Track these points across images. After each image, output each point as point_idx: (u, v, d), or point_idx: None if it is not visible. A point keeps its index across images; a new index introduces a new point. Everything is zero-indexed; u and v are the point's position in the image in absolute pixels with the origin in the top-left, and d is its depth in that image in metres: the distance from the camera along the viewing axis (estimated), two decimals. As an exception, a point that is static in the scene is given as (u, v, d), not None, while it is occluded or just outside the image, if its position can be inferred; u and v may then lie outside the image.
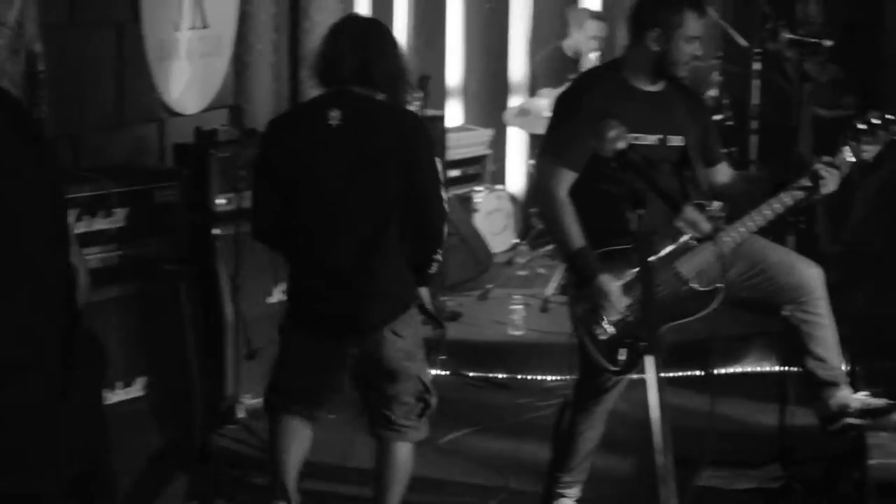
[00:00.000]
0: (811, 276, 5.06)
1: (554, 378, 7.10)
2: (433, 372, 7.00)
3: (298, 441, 5.05)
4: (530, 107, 8.96)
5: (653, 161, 4.69)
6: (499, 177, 10.26)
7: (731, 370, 7.29)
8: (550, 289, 8.24)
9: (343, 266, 4.75)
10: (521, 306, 7.87)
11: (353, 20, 5.08)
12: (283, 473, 5.04)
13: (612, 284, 4.75)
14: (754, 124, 8.31)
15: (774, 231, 8.11)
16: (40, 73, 5.88)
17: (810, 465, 5.72)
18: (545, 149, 5.01)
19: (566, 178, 4.82)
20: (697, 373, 7.01)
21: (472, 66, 10.40)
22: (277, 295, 6.51)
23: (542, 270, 9.00)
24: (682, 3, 4.87)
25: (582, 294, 4.81)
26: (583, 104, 4.85)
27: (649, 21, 4.88)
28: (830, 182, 4.90)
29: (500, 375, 7.24)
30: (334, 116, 4.73)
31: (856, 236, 8.88)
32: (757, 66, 8.31)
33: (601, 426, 5.18)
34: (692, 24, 4.84)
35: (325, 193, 4.77)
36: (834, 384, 5.15)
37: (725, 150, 8.79)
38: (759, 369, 7.30)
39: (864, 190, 8.80)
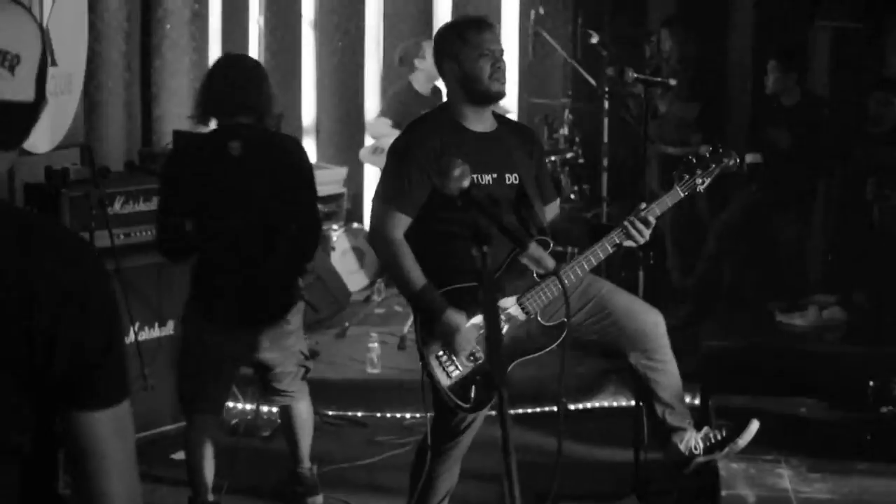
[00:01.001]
0: (654, 323, 5.14)
1: (412, 416, 7.10)
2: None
3: (213, 441, 5.62)
4: (385, 145, 8.95)
5: (497, 199, 4.73)
6: (355, 215, 10.26)
7: (586, 405, 7.37)
8: (407, 326, 8.26)
9: (249, 270, 5.41)
10: (377, 344, 7.86)
11: (237, 59, 5.85)
12: (205, 477, 5.61)
13: (461, 319, 4.75)
14: (605, 162, 8.43)
15: (627, 265, 8.25)
16: None
17: (665, 497, 5.80)
18: (379, 193, 4.98)
19: (401, 223, 4.83)
20: (553, 408, 7.06)
21: (326, 104, 10.40)
22: (130, 336, 6.44)
23: (398, 308, 9.02)
24: (458, 27, 4.99)
25: (431, 332, 4.83)
26: (415, 149, 4.86)
27: (441, 56, 4.97)
28: (639, 236, 4.97)
29: (358, 413, 7.22)
30: (234, 147, 5.38)
31: (706, 271, 9.03)
32: (605, 104, 8.45)
33: (458, 467, 5.18)
34: (475, 40, 4.88)
35: (231, 212, 5.38)
36: (682, 429, 5.23)
37: (576, 188, 8.99)
38: (614, 404, 7.37)
39: (714, 225, 8.98)
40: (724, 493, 5.26)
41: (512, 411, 6.53)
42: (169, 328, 6.67)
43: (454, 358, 4.79)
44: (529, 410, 7.12)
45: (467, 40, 4.88)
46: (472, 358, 4.80)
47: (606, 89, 8.48)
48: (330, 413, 7.17)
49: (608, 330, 5.10)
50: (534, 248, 4.77)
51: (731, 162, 5.26)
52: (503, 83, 4.93)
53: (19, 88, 2.20)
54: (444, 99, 5.16)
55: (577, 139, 9.20)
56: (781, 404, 6.43)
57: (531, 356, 4.93)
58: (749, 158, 8.87)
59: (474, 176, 4.63)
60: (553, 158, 8.93)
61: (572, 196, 9.00)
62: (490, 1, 10.29)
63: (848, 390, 6.44)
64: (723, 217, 8.93)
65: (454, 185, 4.14)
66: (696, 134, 9.08)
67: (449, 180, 4.14)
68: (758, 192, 8.81)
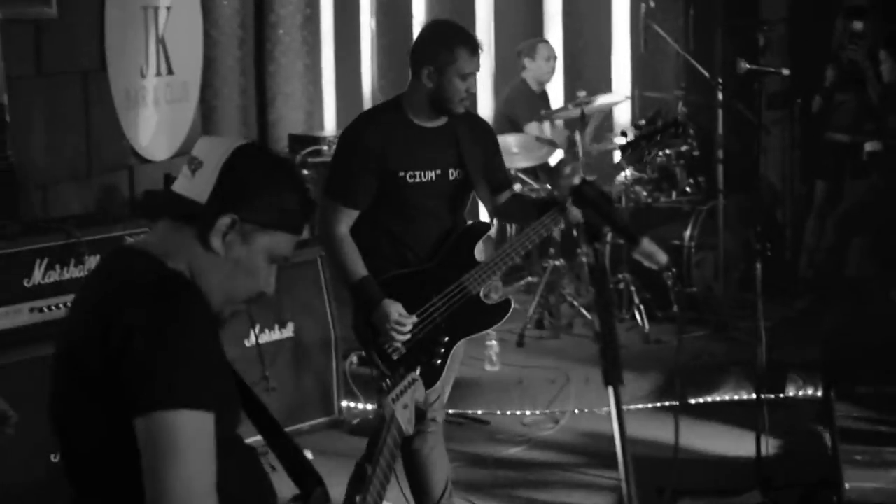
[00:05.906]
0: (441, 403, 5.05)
1: (532, 412, 7.11)
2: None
3: None
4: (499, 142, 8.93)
5: (609, 196, 4.68)
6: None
7: (707, 399, 7.31)
8: (525, 323, 8.28)
9: None
10: (496, 342, 7.87)
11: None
12: None
13: (395, 308, 4.74)
14: (720, 153, 8.38)
15: (746, 259, 8.17)
16: (6, 123, 5.89)
17: (788, 491, 5.75)
18: (325, 187, 4.93)
19: (344, 216, 4.82)
20: (674, 403, 7.04)
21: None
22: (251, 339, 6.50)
23: (516, 306, 9.02)
24: (453, 41, 4.83)
25: (369, 319, 4.81)
26: (360, 143, 4.83)
27: (423, 58, 4.85)
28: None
29: (478, 412, 7.24)
30: None
31: (828, 262, 8.94)
32: (720, 95, 8.40)
33: (443, 447, 5.17)
34: (465, 62, 4.80)
35: None
36: None
37: (692, 180, 8.92)
38: (735, 397, 7.32)
39: (835, 217, 8.87)
40: (847, 485, 5.19)
41: (632, 406, 6.55)
42: (289, 330, 6.72)
43: (394, 344, 4.78)
44: (650, 406, 7.11)
45: (458, 59, 4.79)
46: (410, 339, 4.80)
47: (720, 80, 8.43)
48: (450, 412, 7.18)
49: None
50: (646, 244, 4.70)
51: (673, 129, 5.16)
52: (467, 105, 4.92)
53: (195, 188, 2.58)
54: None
55: (691, 132, 9.12)
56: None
57: (477, 334, 5.06)
58: (869, 147, 8.74)
59: (415, 172, 4.80)
60: (668, 151, 8.87)
61: (688, 189, 8.92)
62: (600, -5, 10.29)
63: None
64: (843, 207, 8.82)
65: (564, 182, 4.17)
66: (870, 122, 8.92)
67: (560, 178, 4.17)
68: (879, 179, 8.68)
